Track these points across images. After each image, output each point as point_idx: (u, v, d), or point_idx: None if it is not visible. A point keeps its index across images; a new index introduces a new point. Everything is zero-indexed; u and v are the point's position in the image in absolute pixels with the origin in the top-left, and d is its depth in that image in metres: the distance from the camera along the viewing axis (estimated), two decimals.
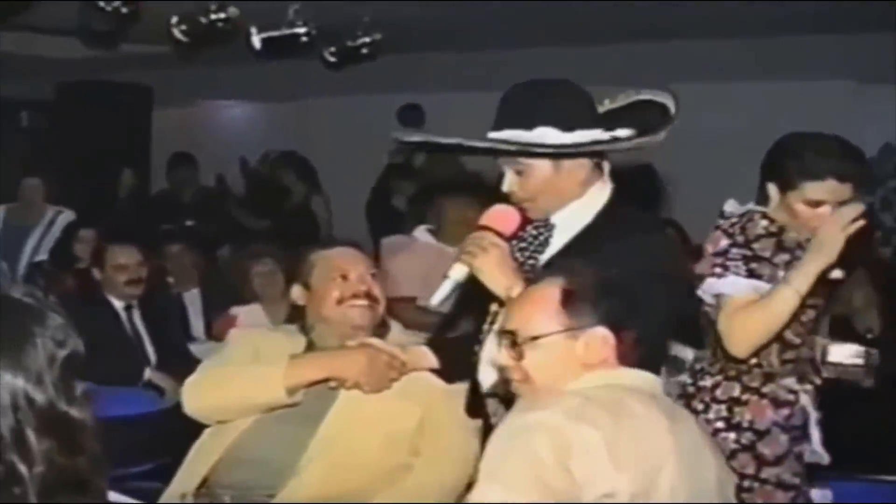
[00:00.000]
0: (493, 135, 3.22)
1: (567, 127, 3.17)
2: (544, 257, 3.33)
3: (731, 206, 3.70)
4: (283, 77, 10.59)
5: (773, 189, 3.58)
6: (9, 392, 1.70)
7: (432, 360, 3.60)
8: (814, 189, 3.48)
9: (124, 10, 6.85)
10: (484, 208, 5.83)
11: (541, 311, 2.65)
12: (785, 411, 3.64)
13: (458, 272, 3.26)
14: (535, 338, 2.65)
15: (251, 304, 6.49)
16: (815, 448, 3.68)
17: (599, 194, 3.30)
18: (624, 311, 2.62)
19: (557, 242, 3.32)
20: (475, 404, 3.46)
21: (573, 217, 3.29)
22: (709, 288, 3.58)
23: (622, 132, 3.22)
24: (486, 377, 3.35)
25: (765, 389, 3.63)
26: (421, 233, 6.05)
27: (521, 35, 9.68)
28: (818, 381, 3.76)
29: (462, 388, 3.51)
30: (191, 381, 3.63)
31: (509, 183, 3.29)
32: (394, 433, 3.50)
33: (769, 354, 3.62)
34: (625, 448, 2.43)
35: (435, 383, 3.55)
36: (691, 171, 8.54)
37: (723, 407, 3.63)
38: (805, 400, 3.67)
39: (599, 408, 2.48)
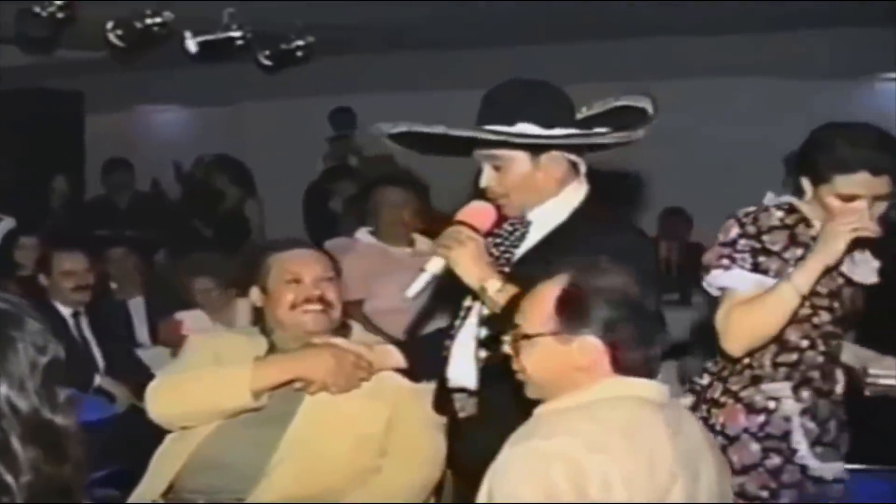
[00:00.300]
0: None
1: (547, 124, 3.24)
2: (519, 253, 3.38)
3: (768, 199, 3.50)
4: (216, 81, 10.57)
5: (806, 183, 3.38)
6: None
7: (399, 358, 3.62)
8: (845, 182, 3.26)
9: (60, 14, 6.80)
10: (418, 208, 5.90)
11: (538, 310, 2.64)
12: (759, 419, 3.47)
13: (435, 265, 3.31)
14: (526, 336, 2.66)
15: (196, 308, 6.47)
16: (806, 461, 3.47)
17: (575, 193, 3.35)
18: (621, 321, 2.55)
19: (533, 238, 3.37)
20: (443, 400, 3.49)
21: (549, 214, 3.34)
22: (713, 280, 3.46)
23: (600, 130, 3.29)
24: (457, 373, 3.41)
25: (742, 393, 3.49)
26: (363, 234, 6.05)
27: (454, 36, 9.72)
28: (835, 391, 3.56)
29: (429, 386, 3.55)
30: (153, 386, 3.60)
31: (487, 178, 3.35)
32: (363, 435, 3.50)
33: (762, 356, 3.46)
34: (639, 477, 2.42)
35: (402, 383, 3.57)
36: (653, 169, 8.64)
37: (705, 408, 3.51)
38: (790, 408, 3.47)
39: (615, 433, 2.46)
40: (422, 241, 5.92)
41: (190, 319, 6.38)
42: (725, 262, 3.42)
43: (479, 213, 3.37)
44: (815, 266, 3.27)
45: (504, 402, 3.29)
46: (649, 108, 3.34)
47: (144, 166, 10.85)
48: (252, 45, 8.46)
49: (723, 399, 3.50)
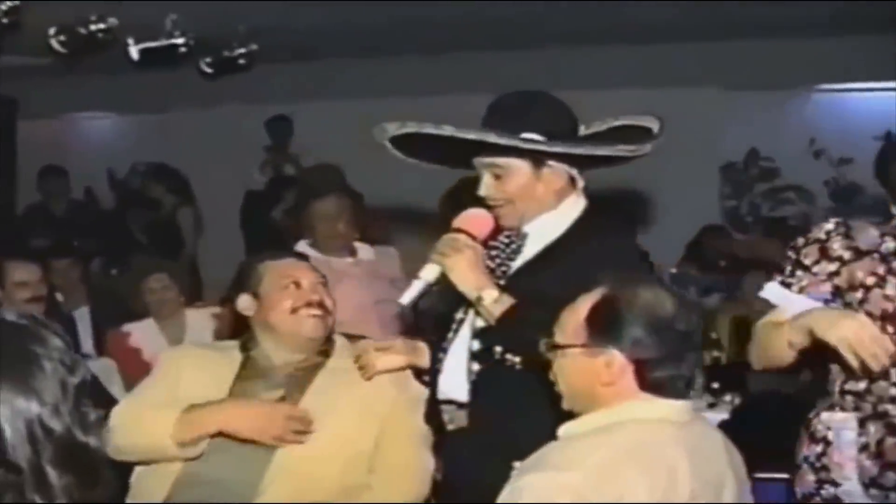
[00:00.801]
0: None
1: (551, 136, 3.23)
2: (515, 265, 3.36)
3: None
4: (150, 88, 10.42)
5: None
6: (23, 420, 1.64)
7: (425, 358, 3.56)
8: None
9: (5, 20, 6.66)
10: (354, 217, 5.84)
11: (572, 321, 2.61)
12: (817, 448, 3.32)
13: (430, 272, 3.29)
14: (556, 346, 2.64)
15: (144, 319, 6.35)
16: (852, 500, 3.26)
17: (573, 207, 3.35)
18: (649, 339, 2.52)
19: (529, 251, 3.35)
20: (431, 412, 3.48)
21: (546, 227, 3.33)
22: (763, 290, 3.36)
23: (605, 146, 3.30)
24: (448, 385, 3.39)
25: (813, 419, 3.35)
26: (303, 247, 5.98)
27: (394, 44, 9.70)
28: None
29: (420, 396, 3.53)
30: (113, 413, 3.48)
31: (486, 186, 3.33)
32: (353, 454, 3.47)
33: (834, 381, 3.31)
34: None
35: (391, 397, 3.53)
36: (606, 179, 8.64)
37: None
38: (846, 441, 3.23)
39: (631, 461, 2.45)
40: (364, 249, 5.87)
41: (138, 330, 6.26)
42: (776, 274, 3.34)
43: (476, 220, 3.35)
44: (814, 338, 3.03)
45: (492, 416, 3.29)
46: (654, 128, 3.34)
47: (78, 174, 10.72)
48: (194, 52, 8.35)
49: (804, 426, 3.40)
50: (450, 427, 3.44)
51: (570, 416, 2.68)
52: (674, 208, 9.50)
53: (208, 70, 8.98)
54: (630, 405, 2.55)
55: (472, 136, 3.22)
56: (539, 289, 3.19)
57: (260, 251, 9.40)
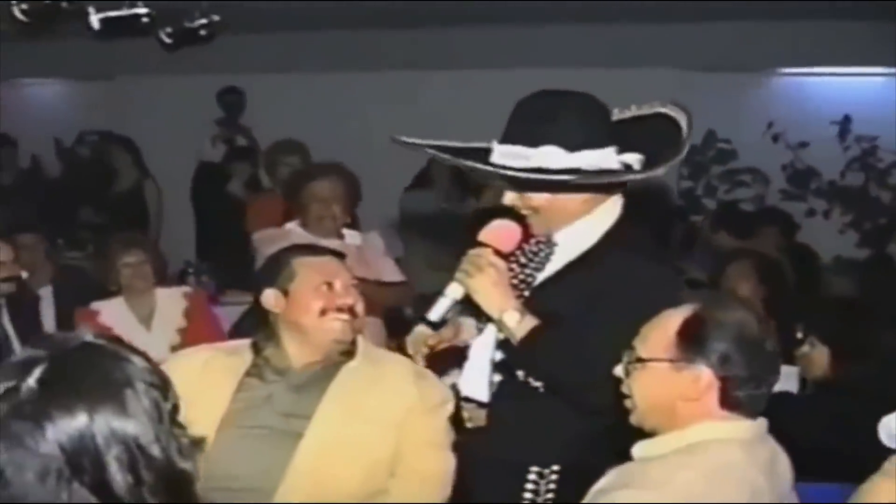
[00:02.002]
0: (498, 148, 3.17)
1: (573, 147, 3.13)
2: (542, 277, 3.31)
3: None
4: (96, 54, 10.19)
5: None
6: (121, 444, 1.56)
7: (468, 336, 3.50)
8: None
9: None
10: (348, 202, 5.79)
11: (659, 335, 2.61)
12: None
13: (454, 290, 3.26)
14: (640, 359, 2.62)
15: (112, 298, 6.19)
16: None
17: (608, 213, 3.27)
18: (736, 357, 2.54)
19: (557, 262, 3.30)
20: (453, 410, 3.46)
21: (577, 237, 3.27)
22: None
23: (629, 157, 3.18)
24: (469, 385, 3.38)
25: None
26: (293, 226, 5.91)
27: (352, 18, 9.60)
28: None
29: (443, 399, 3.47)
30: None
31: (510, 198, 3.27)
32: (373, 461, 3.39)
33: None
34: None
35: (414, 401, 3.44)
36: None
37: None
38: None
39: (714, 481, 2.45)
40: (350, 235, 5.84)
41: (107, 308, 6.10)
42: None
43: (503, 234, 3.29)
44: None
45: (512, 424, 3.25)
46: (683, 123, 3.26)
47: (21, 143, 10.49)
48: (156, 22, 8.17)
49: None
50: (468, 425, 3.42)
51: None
52: (630, 188, 9.47)
53: (168, 40, 8.79)
54: (705, 426, 2.56)
55: (480, 167, 3.17)
56: (560, 305, 3.16)
57: (213, 225, 9.35)
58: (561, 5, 9.08)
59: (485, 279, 3.18)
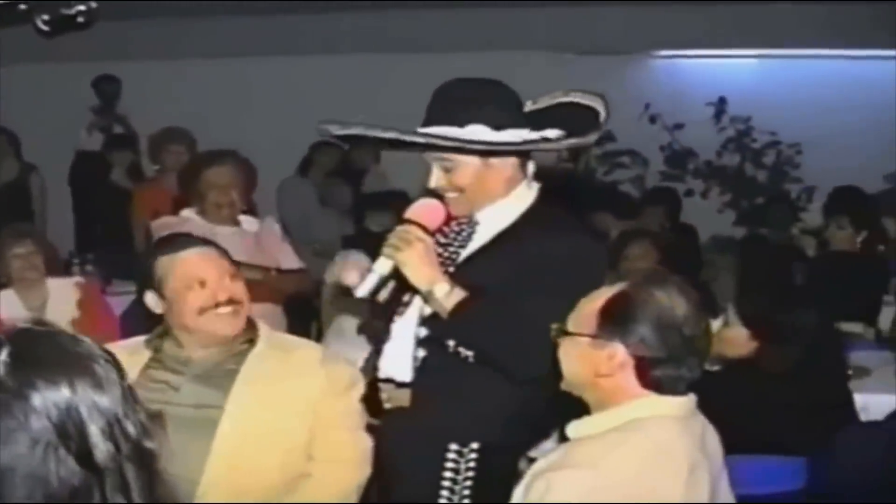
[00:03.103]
0: (425, 131, 3.22)
1: (497, 125, 3.22)
2: (466, 253, 3.36)
3: None
4: None
5: None
6: (103, 417, 1.56)
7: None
8: None
9: None
10: (245, 188, 5.77)
11: (588, 309, 2.64)
12: None
13: (383, 266, 3.25)
14: (565, 332, 2.66)
15: (4, 289, 6.07)
16: None
17: (525, 194, 3.35)
18: (655, 338, 2.56)
19: (480, 240, 3.35)
20: (370, 392, 3.47)
21: (497, 215, 3.33)
22: None
23: (551, 133, 3.26)
24: (390, 365, 3.40)
25: None
26: (189, 213, 5.86)
27: (232, 3, 9.58)
28: None
29: (352, 378, 3.48)
30: None
31: (436, 178, 3.32)
32: (290, 448, 3.38)
33: None
34: (680, 496, 2.48)
35: (323, 382, 3.43)
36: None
37: None
38: None
39: (652, 456, 2.50)
40: (248, 222, 5.79)
41: None
42: None
43: (428, 211, 3.33)
44: None
45: (437, 399, 3.29)
46: (600, 109, 3.34)
47: None
48: (35, 9, 8.03)
49: None
50: (387, 406, 3.43)
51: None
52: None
53: (45, 28, 8.62)
54: (639, 403, 2.59)
55: (419, 140, 3.21)
56: (487, 279, 3.21)
57: (95, 214, 9.20)
58: None
59: (413, 253, 3.20)
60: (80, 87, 10.26)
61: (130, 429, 1.58)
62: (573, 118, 3.32)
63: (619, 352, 2.57)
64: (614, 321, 2.58)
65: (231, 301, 3.38)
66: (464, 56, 9.65)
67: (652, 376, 2.57)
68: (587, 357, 2.61)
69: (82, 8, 8.54)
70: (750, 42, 9.94)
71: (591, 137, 3.32)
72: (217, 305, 3.36)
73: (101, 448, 1.55)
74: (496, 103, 3.27)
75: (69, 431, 1.52)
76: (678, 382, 2.60)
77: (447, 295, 3.19)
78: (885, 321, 6.18)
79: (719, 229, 9.93)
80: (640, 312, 2.57)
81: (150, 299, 3.45)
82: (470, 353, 3.26)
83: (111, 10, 8.73)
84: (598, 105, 3.35)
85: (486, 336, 3.19)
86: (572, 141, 3.29)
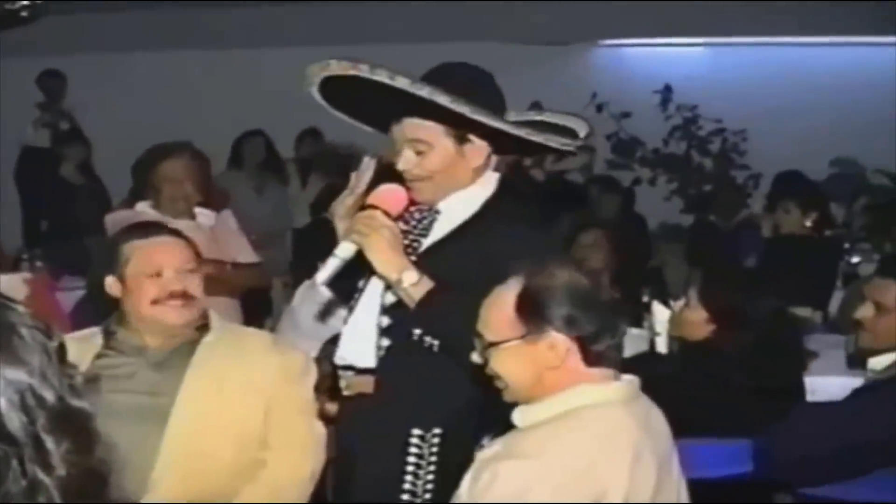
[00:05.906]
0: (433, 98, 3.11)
1: (495, 111, 3.18)
2: (427, 242, 3.33)
3: None
4: None
5: None
6: (16, 391, 1.55)
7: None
8: None
9: None
10: (200, 181, 5.74)
11: (498, 316, 2.63)
12: None
13: (346, 250, 3.18)
14: (492, 343, 2.64)
15: None
16: None
17: (487, 185, 3.32)
18: (580, 314, 2.57)
19: (441, 229, 3.32)
20: (329, 377, 3.50)
21: (459, 205, 3.30)
22: None
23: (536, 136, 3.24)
24: (350, 352, 3.36)
25: None
26: (144, 207, 5.81)
27: None
28: None
29: (305, 365, 3.49)
30: None
31: (406, 161, 3.26)
32: (243, 433, 3.38)
33: None
34: (626, 479, 2.49)
35: (276, 369, 3.45)
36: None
37: None
38: None
39: (596, 442, 2.51)
40: (203, 215, 5.75)
41: None
42: None
43: (391, 196, 3.27)
44: None
45: (402, 386, 3.27)
46: (580, 131, 3.34)
47: None
48: None
49: None
50: (346, 393, 3.40)
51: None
52: None
53: None
54: (582, 389, 2.59)
55: (424, 95, 3.08)
56: (451, 270, 3.18)
57: (44, 210, 9.13)
58: None
59: (380, 239, 3.15)
60: (26, 82, 10.18)
61: (49, 395, 1.57)
62: (549, 128, 3.33)
63: (557, 339, 2.57)
64: (536, 313, 2.57)
65: (184, 295, 3.40)
66: (408, 48, 9.71)
67: (596, 351, 2.58)
68: (526, 356, 2.59)
69: (26, 3, 8.51)
70: (695, 30, 10.01)
71: (578, 142, 3.28)
72: (170, 297, 3.38)
73: (14, 419, 1.54)
74: (493, 88, 3.27)
75: None
76: (618, 351, 2.64)
77: (415, 284, 3.16)
78: (834, 306, 6.25)
79: (667, 217, 10.03)
80: (554, 296, 2.57)
81: (111, 283, 3.45)
82: (436, 343, 3.24)
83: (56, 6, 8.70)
84: (578, 128, 3.35)
85: (452, 329, 3.17)
86: (566, 141, 3.22)
